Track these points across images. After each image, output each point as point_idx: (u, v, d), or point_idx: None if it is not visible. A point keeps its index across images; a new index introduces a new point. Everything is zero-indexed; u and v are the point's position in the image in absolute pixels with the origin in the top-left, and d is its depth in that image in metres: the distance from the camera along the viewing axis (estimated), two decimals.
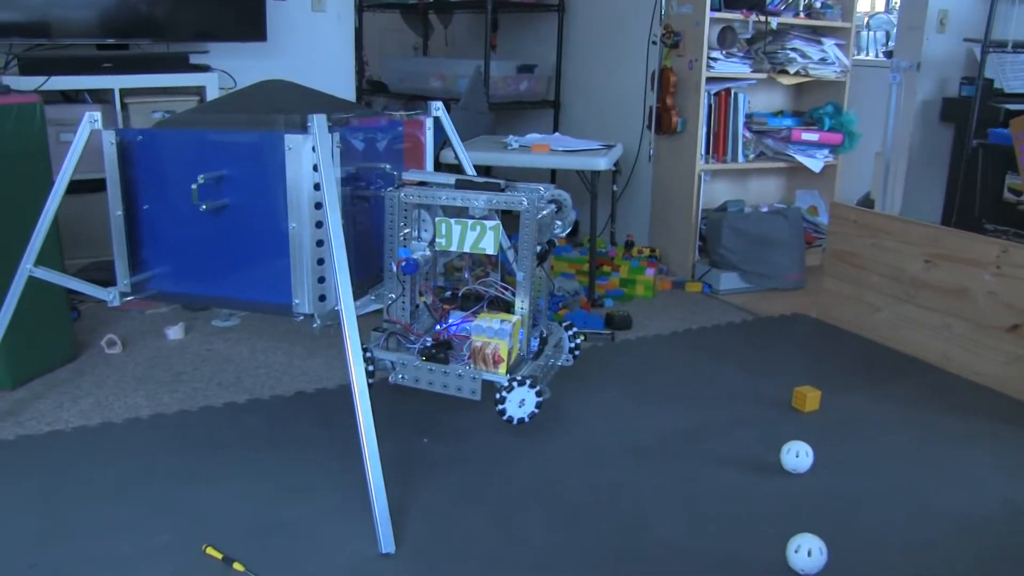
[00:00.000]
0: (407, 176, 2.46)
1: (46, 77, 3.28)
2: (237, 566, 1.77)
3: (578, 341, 2.67)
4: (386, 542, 1.84)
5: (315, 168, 2.09)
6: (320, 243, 2.15)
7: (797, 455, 2.22)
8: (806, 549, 1.80)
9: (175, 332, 3.08)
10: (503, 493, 2.10)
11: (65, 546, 1.84)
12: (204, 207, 2.16)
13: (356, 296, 1.98)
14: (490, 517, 1.99)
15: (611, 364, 2.95)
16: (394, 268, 2.39)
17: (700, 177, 3.94)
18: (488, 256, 2.56)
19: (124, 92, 3.50)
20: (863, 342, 3.24)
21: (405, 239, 2.40)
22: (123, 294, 2.33)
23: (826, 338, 3.28)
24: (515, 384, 2.26)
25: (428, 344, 2.37)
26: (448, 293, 2.52)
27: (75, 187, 2.60)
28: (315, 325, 2.19)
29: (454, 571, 1.80)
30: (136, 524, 1.92)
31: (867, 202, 4.60)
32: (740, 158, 4.04)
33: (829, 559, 1.81)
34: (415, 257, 2.36)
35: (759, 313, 3.55)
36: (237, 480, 2.12)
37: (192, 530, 1.90)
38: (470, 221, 2.32)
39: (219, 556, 1.80)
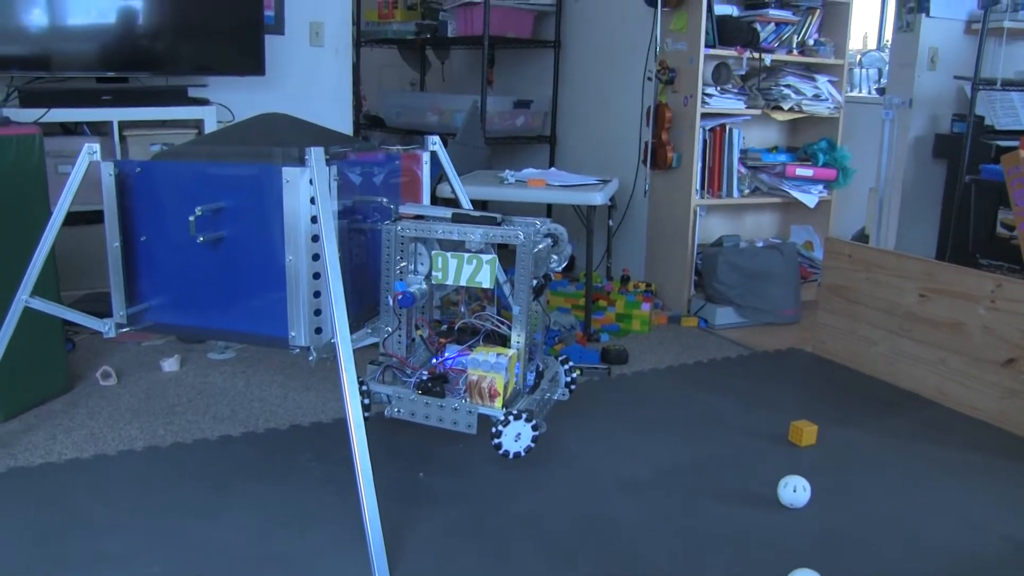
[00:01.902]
0: (404, 210, 2.47)
1: (46, 109, 3.30)
2: None
3: (574, 375, 2.67)
4: (381, 575, 1.82)
5: (312, 201, 2.09)
6: (317, 276, 2.15)
7: (795, 490, 2.22)
8: None
9: (170, 364, 3.07)
10: (499, 527, 2.08)
11: None
12: (201, 239, 2.16)
13: (352, 329, 1.98)
14: (486, 551, 1.98)
15: (607, 398, 2.94)
16: (390, 301, 2.39)
17: (695, 212, 3.96)
18: (484, 290, 2.56)
19: (123, 125, 3.52)
20: (859, 376, 3.24)
21: (401, 272, 2.40)
22: (119, 325, 2.33)
23: (822, 372, 3.28)
24: (511, 418, 2.25)
25: (424, 378, 2.37)
26: (444, 327, 2.53)
27: (73, 219, 2.61)
28: (311, 358, 2.18)
29: None
30: (129, 556, 1.90)
31: (862, 237, 4.63)
32: (735, 193, 4.06)
33: None
34: (411, 290, 2.36)
35: (755, 348, 3.56)
36: (231, 512, 2.10)
37: (185, 562, 1.88)
38: (466, 255, 2.32)
39: None
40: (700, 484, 2.34)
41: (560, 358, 2.68)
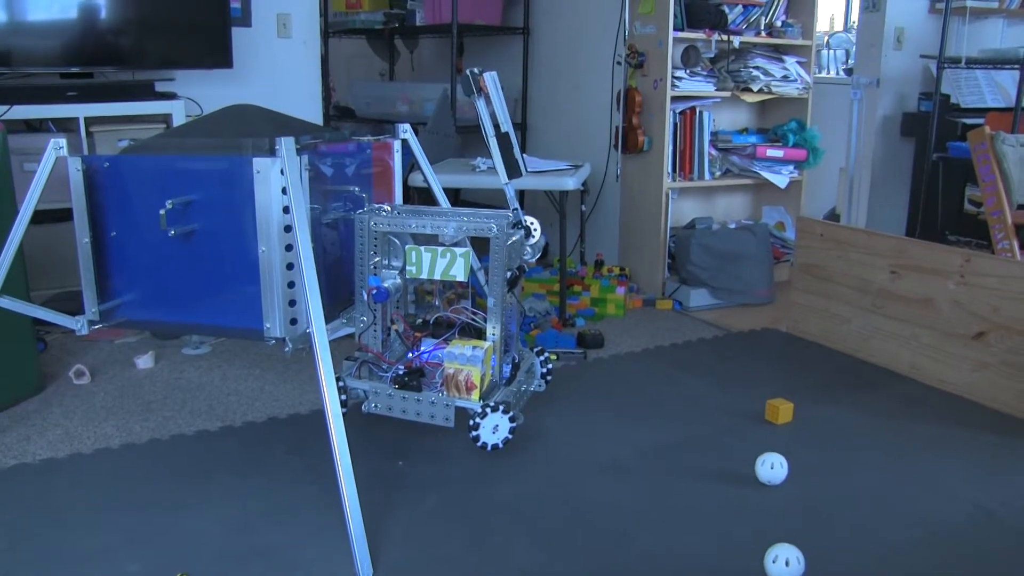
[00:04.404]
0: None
1: (8, 106, 3.25)
2: None
3: (550, 366, 2.68)
4: (363, 565, 1.82)
5: (284, 191, 2.08)
6: (290, 266, 2.14)
7: (772, 466, 2.24)
8: (784, 559, 1.81)
9: (145, 361, 3.04)
10: (480, 513, 2.09)
11: None
12: (173, 232, 2.15)
13: (327, 319, 1.98)
14: (469, 537, 1.98)
15: (584, 382, 2.95)
16: (365, 296, 2.38)
17: (667, 195, 3.98)
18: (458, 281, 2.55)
19: (89, 120, 3.48)
20: (833, 354, 3.27)
21: (376, 267, 2.39)
22: (91, 322, 2.31)
23: (797, 351, 3.31)
24: (488, 410, 2.26)
25: (400, 372, 2.36)
26: (419, 320, 2.52)
27: (41, 217, 2.58)
28: (287, 349, 2.18)
29: None
30: (107, 554, 1.89)
31: (833, 217, 4.66)
32: (707, 175, 4.08)
33: (806, 568, 1.82)
34: (386, 285, 2.35)
35: (730, 328, 3.58)
36: (211, 506, 2.09)
37: (166, 558, 1.87)
38: (440, 248, 2.31)
39: None
40: (679, 464, 2.35)
41: (535, 349, 2.68)
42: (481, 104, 2.41)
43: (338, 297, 2.47)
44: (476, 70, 2.41)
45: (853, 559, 1.91)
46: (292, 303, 2.17)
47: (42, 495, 2.15)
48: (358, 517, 1.84)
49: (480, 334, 2.42)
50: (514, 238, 2.36)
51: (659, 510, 2.11)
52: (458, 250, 2.31)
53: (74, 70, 3.51)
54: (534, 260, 2.51)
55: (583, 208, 4.33)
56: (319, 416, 2.60)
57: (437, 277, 2.33)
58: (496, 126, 2.44)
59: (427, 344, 2.42)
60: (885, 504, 2.15)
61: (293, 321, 2.18)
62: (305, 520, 2.04)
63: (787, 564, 1.80)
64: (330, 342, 1.94)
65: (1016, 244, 3.34)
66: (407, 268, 2.35)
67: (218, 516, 2.05)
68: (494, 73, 2.43)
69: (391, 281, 2.38)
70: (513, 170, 2.47)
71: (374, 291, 2.31)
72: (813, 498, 2.18)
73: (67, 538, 1.95)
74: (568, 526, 2.03)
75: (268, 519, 2.04)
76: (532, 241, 2.48)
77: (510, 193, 2.49)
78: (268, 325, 2.17)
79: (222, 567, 1.85)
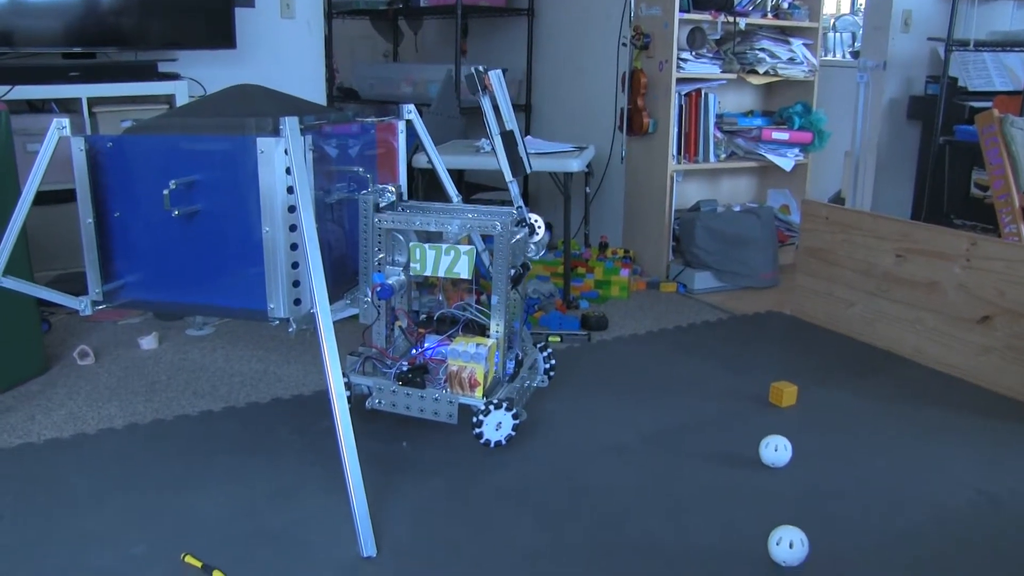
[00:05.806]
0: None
1: (10, 87, 3.24)
2: (217, 574, 1.75)
3: (553, 362, 2.67)
4: (367, 545, 1.82)
5: (288, 171, 2.07)
6: (294, 247, 2.13)
7: (776, 449, 2.24)
8: (788, 541, 1.81)
9: (148, 342, 3.04)
10: (484, 495, 2.09)
11: (39, 559, 1.81)
12: (176, 213, 2.14)
13: (331, 300, 1.97)
14: (473, 520, 1.98)
15: (588, 365, 2.95)
16: (370, 293, 2.38)
17: (672, 177, 3.96)
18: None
19: (92, 101, 3.46)
20: (837, 337, 3.26)
21: (380, 264, 2.39)
22: (95, 303, 2.30)
23: (801, 334, 3.31)
24: (492, 407, 2.25)
25: (404, 368, 2.36)
26: (423, 317, 2.52)
27: (43, 198, 2.56)
28: (291, 329, 2.17)
29: (437, 573, 1.79)
30: (112, 535, 1.89)
31: (838, 200, 4.65)
32: (712, 158, 4.07)
33: (810, 550, 1.82)
34: (390, 282, 2.34)
35: (734, 311, 3.57)
36: (215, 487, 2.10)
37: (170, 539, 1.88)
38: (444, 246, 2.30)
39: (198, 564, 1.78)
40: (683, 447, 2.35)
41: (539, 345, 2.67)
42: (486, 102, 2.39)
43: (342, 278, 2.46)
44: (481, 68, 2.39)
45: (856, 542, 1.91)
46: (296, 284, 2.17)
47: (47, 475, 2.15)
48: (362, 497, 1.84)
49: (484, 330, 2.41)
50: (518, 236, 2.35)
51: (662, 493, 2.11)
52: (462, 248, 2.30)
53: (77, 50, 3.49)
54: (538, 257, 2.50)
55: (587, 190, 4.32)
56: (323, 397, 2.60)
57: (441, 275, 2.32)
58: (500, 124, 2.42)
59: (431, 340, 2.42)
60: (888, 488, 2.15)
61: (297, 301, 2.18)
62: (309, 501, 2.04)
63: (791, 546, 1.80)
64: (334, 325, 1.93)
65: (1023, 228, 3.32)
66: (411, 265, 2.34)
67: (222, 497, 2.06)
68: (499, 71, 2.42)
69: (395, 278, 2.38)
70: (517, 167, 2.45)
71: (379, 288, 2.31)
72: (816, 481, 2.17)
73: (71, 519, 1.96)
74: (572, 509, 2.03)
75: (272, 500, 2.05)
76: (536, 239, 2.47)
77: (514, 191, 2.48)
78: (272, 306, 2.17)
79: (226, 548, 1.85)
